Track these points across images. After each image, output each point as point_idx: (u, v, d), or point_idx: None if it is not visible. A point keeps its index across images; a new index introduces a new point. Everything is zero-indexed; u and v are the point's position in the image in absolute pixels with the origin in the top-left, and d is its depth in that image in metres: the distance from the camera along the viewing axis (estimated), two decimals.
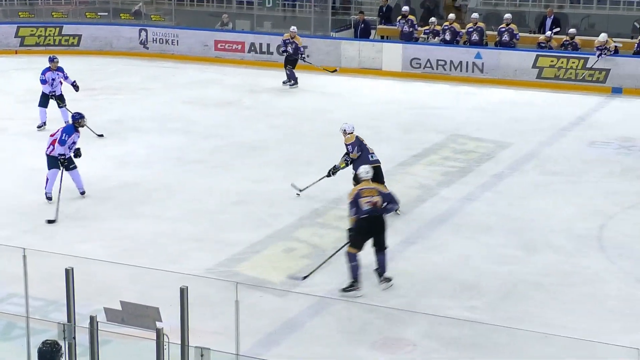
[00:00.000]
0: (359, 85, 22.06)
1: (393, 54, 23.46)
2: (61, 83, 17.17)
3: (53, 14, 27.15)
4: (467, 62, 22.78)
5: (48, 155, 13.16)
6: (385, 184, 11.65)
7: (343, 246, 10.52)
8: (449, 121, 18.40)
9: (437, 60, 23.04)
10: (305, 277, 10.50)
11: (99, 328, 6.83)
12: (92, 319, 6.85)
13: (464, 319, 9.47)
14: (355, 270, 10.19)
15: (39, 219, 12.43)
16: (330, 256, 10.70)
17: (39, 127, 16.90)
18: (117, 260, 10.29)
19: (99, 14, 27.10)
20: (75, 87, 17.25)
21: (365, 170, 10.72)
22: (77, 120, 13.42)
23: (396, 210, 11.86)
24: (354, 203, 10.30)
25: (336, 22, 25.18)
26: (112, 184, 14.05)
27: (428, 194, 13.86)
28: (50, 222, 12.27)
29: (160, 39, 25.74)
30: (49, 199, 13.04)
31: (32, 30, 26.01)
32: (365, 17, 24.70)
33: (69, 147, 13.08)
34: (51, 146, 13.09)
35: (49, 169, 13.14)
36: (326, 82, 22.23)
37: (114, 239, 11.77)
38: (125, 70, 23.72)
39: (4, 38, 25.73)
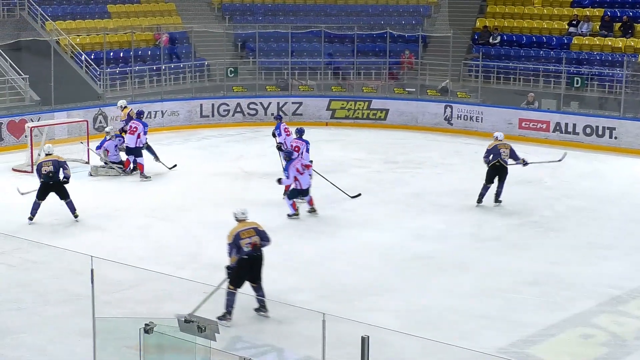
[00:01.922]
0: None
1: None
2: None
3: (363, 89, 28.34)
4: None
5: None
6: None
7: (222, 283, 10.86)
8: None
9: None
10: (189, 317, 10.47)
11: None
12: None
13: None
14: (230, 303, 10.93)
15: (337, 285, 12.87)
16: (211, 293, 10.47)
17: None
18: (409, 331, 10.36)
19: (406, 89, 27.95)
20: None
21: (240, 211, 11.31)
22: (302, 132, 17.94)
23: None
24: (234, 244, 11.03)
25: None
26: (406, 255, 14.27)
27: None
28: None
29: (464, 115, 26.05)
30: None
31: (342, 104, 27.32)
32: None
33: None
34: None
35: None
36: (635, 165, 21.40)
37: (407, 310, 11.90)
38: (428, 145, 24.17)
39: (316, 110, 27.22)
